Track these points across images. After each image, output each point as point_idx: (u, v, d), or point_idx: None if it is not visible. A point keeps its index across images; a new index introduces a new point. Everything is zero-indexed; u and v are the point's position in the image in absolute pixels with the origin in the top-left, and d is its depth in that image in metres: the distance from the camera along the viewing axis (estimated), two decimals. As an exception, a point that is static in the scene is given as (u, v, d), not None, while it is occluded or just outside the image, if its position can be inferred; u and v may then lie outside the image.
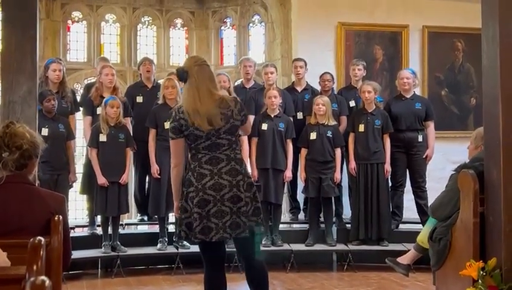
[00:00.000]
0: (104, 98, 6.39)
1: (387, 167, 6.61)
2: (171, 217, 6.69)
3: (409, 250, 4.90)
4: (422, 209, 6.65)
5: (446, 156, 7.07)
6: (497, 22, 3.59)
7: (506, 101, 3.56)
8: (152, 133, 6.39)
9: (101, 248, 6.20)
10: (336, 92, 7.22)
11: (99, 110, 6.41)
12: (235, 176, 3.56)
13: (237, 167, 3.59)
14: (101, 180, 6.12)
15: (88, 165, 6.46)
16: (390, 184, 6.83)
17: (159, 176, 6.31)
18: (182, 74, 3.63)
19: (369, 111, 6.63)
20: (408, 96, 6.83)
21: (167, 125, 6.31)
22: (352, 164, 6.64)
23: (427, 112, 6.80)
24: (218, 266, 3.72)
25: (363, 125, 6.62)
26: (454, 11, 7.93)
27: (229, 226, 3.52)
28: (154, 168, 6.30)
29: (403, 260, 4.72)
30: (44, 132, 5.91)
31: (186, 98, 3.61)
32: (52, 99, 6.10)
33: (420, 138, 6.74)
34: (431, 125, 6.84)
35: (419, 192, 6.76)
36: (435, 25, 8.01)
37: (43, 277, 1.68)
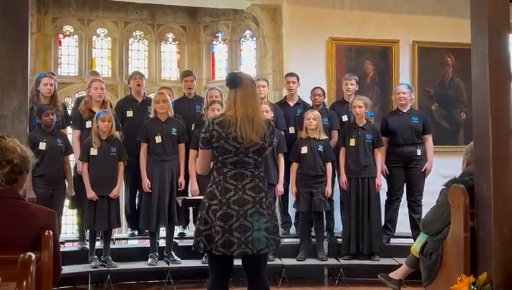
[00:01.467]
0: (93, 111, 6.38)
1: (379, 181, 6.62)
2: (162, 232, 6.67)
3: (400, 265, 4.90)
4: (415, 224, 6.64)
5: (437, 171, 7.08)
6: (486, 38, 3.64)
7: (495, 116, 3.59)
8: (143, 147, 6.37)
9: (91, 262, 6.15)
10: (328, 107, 7.24)
11: (88, 124, 6.39)
12: (259, 193, 3.61)
13: (260, 184, 3.64)
14: (90, 194, 6.09)
15: (77, 180, 6.43)
16: (386, 198, 6.84)
17: (150, 190, 6.28)
18: (235, 79, 3.64)
19: (360, 125, 6.66)
20: (405, 110, 6.86)
21: (158, 139, 6.34)
22: (344, 178, 6.65)
23: (424, 126, 6.83)
24: (224, 279, 3.75)
25: (354, 139, 6.64)
26: (444, 27, 7.99)
27: (251, 241, 3.55)
28: (146, 183, 6.28)
29: (395, 275, 4.72)
30: (42, 146, 5.91)
31: (240, 105, 3.59)
32: (51, 113, 6.10)
33: (419, 152, 6.76)
34: (429, 138, 6.86)
35: (415, 206, 6.76)
36: (425, 40, 8.08)
37: (33, 293, 1.67)
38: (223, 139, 3.57)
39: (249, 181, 3.60)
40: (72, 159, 6.71)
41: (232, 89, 3.64)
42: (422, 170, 6.77)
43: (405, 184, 6.86)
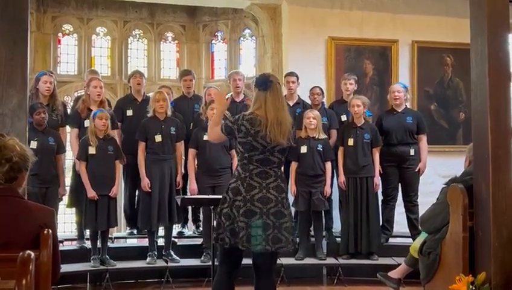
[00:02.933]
0: (91, 110, 6.37)
1: (377, 180, 6.63)
2: (161, 231, 6.67)
3: (399, 264, 4.91)
4: (412, 224, 6.67)
5: (435, 170, 7.09)
6: (486, 38, 3.64)
7: (494, 116, 3.59)
8: (141, 146, 6.37)
9: (90, 261, 6.16)
10: (327, 106, 7.24)
11: (86, 123, 6.39)
12: (281, 193, 3.72)
13: (282, 184, 3.76)
14: (91, 193, 6.09)
15: (76, 179, 6.42)
16: (381, 198, 6.84)
17: (149, 190, 6.28)
18: (266, 82, 3.75)
19: (358, 125, 6.66)
20: (399, 110, 6.86)
21: (158, 138, 6.35)
22: (342, 177, 6.65)
23: (418, 126, 6.83)
24: (232, 273, 3.85)
25: (352, 139, 6.64)
26: (443, 26, 8.00)
27: (271, 239, 3.65)
28: (145, 182, 6.28)
29: (394, 274, 4.73)
30: (33, 144, 5.86)
31: (271, 108, 3.69)
32: (43, 112, 6.07)
33: (412, 152, 6.76)
34: (423, 138, 6.86)
35: (411, 206, 6.77)
36: (424, 40, 8.08)
37: (32, 291, 1.67)
38: (251, 136, 3.68)
39: (273, 181, 3.71)
40: (71, 157, 6.70)
41: (262, 90, 3.74)
42: (416, 170, 6.76)
43: (400, 184, 6.85)
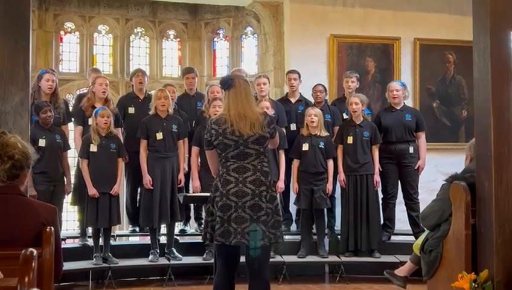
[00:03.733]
0: (95, 108, 6.37)
1: (377, 178, 6.62)
2: (163, 229, 6.68)
3: (401, 261, 4.92)
4: (414, 221, 6.66)
5: (437, 168, 7.09)
6: (488, 35, 3.63)
7: (497, 114, 3.59)
8: (143, 143, 6.37)
9: (92, 259, 6.16)
10: (328, 103, 7.23)
11: (90, 121, 6.39)
12: (259, 186, 3.71)
13: (262, 178, 3.74)
14: (92, 191, 6.09)
15: (79, 176, 6.43)
16: (381, 196, 6.83)
17: (151, 187, 6.28)
18: (227, 81, 3.81)
19: (357, 123, 6.65)
20: (398, 108, 6.85)
21: (159, 136, 6.35)
22: (342, 175, 6.64)
23: (417, 123, 6.82)
24: (230, 271, 3.84)
25: (351, 137, 6.63)
26: (445, 24, 7.99)
27: (248, 232, 3.65)
28: (147, 179, 6.28)
29: (400, 272, 4.74)
30: (42, 142, 5.91)
31: (232, 104, 3.75)
32: (49, 110, 6.09)
33: (411, 150, 6.75)
34: (422, 136, 6.85)
35: (412, 204, 6.76)
36: (427, 38, 8.07)
37: (35, 289, 1.67)
38: (221, 135, 3.72)
39: (251, 174, 3.71)
40: (75, 155, 6.71)
41: (226, 90, 3.82)
42: (416, 168, 6.75)
43: (400, 182, 6.85)
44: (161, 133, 6.33)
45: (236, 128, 3.69)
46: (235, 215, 3.65)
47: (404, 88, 6.95)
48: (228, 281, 3.83)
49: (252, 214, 3.66)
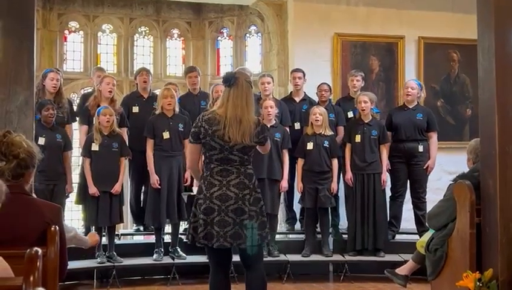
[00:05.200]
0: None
1: (384, 177, 6.61)
2: (168, 228, 6.68)
3: (405, 261, 4.91)
4: (420, 220, 6.64)
5: (442, 167, 7.07)
6: (493, 33, 3.62)
7: (501, 112, 3.58)
8: (150, 143, 6.37)
9: (97, 258, 6.17)
10: (334, 103, 7.23)
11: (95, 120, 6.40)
12: (243, 190, 3.69)
13: (246, 181, 3.71)
14: (92, 189, 6.10)
15: (83, 175, 6.44)
16: (389, 194, 6.82)
17: (158, 186, 6.28)
18: (230, 78, 3.70)
19: (366, 121, 6.64)
20: (410, 106, 6.83)
21: (166, 135, 6.35)
22: (349, 174, 6.64)
23: (429, 123, 6.79)
24: (222, 271, 3.85)
25: (359, 135, 6.62)
26: (449, 22, 7.97)
27: (230, 235, 3.64)
28: (154, 179, 6.27)
29: (401, 271, 4.73)
30: (41, 141, 5.90)
31: (230, 105, 3.66)
32: (51, 108, 6.09)
33: (421, 148, 6.73)
34: (434, 136, 6.82)
35: (419, 203, 6.74)
36: (431, 36, 8.05)
37: (40, 288, 1.68)
38: (209, 136, 3.67)
39: (234, 178, 3.69)
40: (79, 154, 6.72)
41: (226, 87, 3.72)
42: (425, 167, 6.74)
43: (408, 181, 6.84)
44: (168, 132, 6.33)
45: (227, 133, 3.61)
46: (218, 219, 3.64)
47: (421, 89, 6.92)
48: (222, 280, 3.84)
49: (235, 217, 3.65)
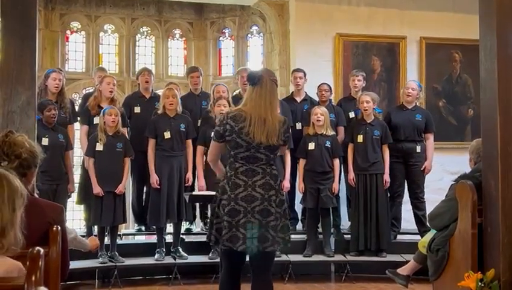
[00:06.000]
0: (101, 107, 6.39)
1: (387, 177, 6.60)
2: (169, 228, 6.68)
3: (407, 261, 4.90)
4: (420, 220, 6.65)
5: (444, 167, 7.08)
6: (495, 34, 3.62)
7: (504, 112, 3.57)
8: (151, 142, 6.38)
9: (99, 258, 6.18)
10: (335, 103, 7.23)
11: (96, 120, 6.40)
12: (268, 191, 3.61)
13: (271, 181, 3.63)
14: (96, 189, 6.11)
15: (84, 175, 6.45)
16: (388, 195, 6.82)
17: (158, 186, 6.29)
18: (254, 77, 3.65)
19: (368, 122, 6.64)
20: (409, 107, 6.84)
21: (167, 135, 6.35)
22: (351, 174, 6.63)
23: (427, 124, 6.81)
24: (235, 274, 3.76)
25: (361, 136, 6.62)
26: (451, 23, 7.96)
27: (257, 238, 3.55)
28: (154, 179, 6.28)
29: (403, 271, 4.73)
30: (45, 141, 5.91)
31: (255, 105, 3.60)
32: (53, 109, 6.10)
33: (418, 149, 6.74)
34: (430, 137, 6.83)
35: (418, 203, 6.75)
36: (433, 36, 8.05)
37: (42, 288, 1.68)
38: (235, 133, 3.59)
39: (260, 178, 3.60)
40: (80, 155, 6.73)
41: (250, 86, 3.67)
42: (422, 169, 6.74)
43: (406, 181, 6.83)
44: (169, 132, 6.33)
45: (252, 132, 3.56)
46: (243, 221, 3.54)
47: (420, 89, 6.94)
48: (234, 282, 3.75)
49: (261, 219, 3.56)
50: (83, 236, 6.67)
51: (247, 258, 3.75)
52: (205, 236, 6.79)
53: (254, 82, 3.63)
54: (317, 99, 7.08)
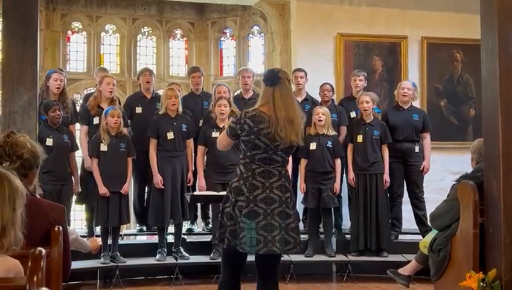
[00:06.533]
0: (101, 108, 6.39)
1: (386, 177, 6.60)
2: (170, 228, 6.69)
3: (408, 261, 4.90)
4: (421, 220, 6.65)
5: (445, 167, 7.08)
6: (496, 33, 3.61)
7: (505, 112, 3.57)
8: (153, 143, 6.38)
9: (100, 258, 6.18)
10: (336, 103, 7.23)
11: (96, 120, 6.41)
12: (285, 193, 3.56)
13: (286, 183, 3.60)
14: (102, 190, 6.11)
15: (84, 175, 6.45)
16: (388, 195, 6.81)
17: (162, 187, 6.29)
18: (274, 77, 3.58)
19: (368, 122, 6.64)
20: (406, 107, 6.84)
21: (169, 135, 6.35)
22: (351, 174, 6.63)
23: (424, 124, 6.81)
24: (237, 274, 3.73)
25: (361, 136, 6.62)
26: (452, 23, 7.96)
27: (278, 241, 3.50)
28: (158, 179, 6.28)
29: (404, 271, 4.72)
30: (49, 142, 5.92)
31: (281, 106, 3.52)
32: (58, 109, 6.11)
33: (417, 149, 6.74)
34: (427, 137, 6.84)
35: (418, 203, 6.74)
36: (434, 36, 8.05)
37: (44, 288, 1.68)
38: (254, 134, 3.51)
39: (276, 180, 3.56)
40: (80, 155, 6.73)
41: (269, 86, 3.58)
42: (421, 169, 6.73)
43: (405, 181, 6.83)
44: (171, 132, 6.34)
45: (278, 133, 3.47)
46: (264, 223, 3.47)
47: (415, 89, 6.94)
48: (235, 282, 3.72)
49: (280, 221, 3.50)
50: (84, 236, 6.72)
51: (248, 259, 3.73)
52: (206, 236, 6.89)
53: (274, 82, 3.55)
54: (318, 99, 7.07)
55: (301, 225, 7.10)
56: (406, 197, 6.88)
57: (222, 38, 10.18)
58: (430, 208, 6.36)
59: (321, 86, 7.04)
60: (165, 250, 6.41)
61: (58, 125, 6.15)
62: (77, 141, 6.73)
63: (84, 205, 6.73)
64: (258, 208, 3.49)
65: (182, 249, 6.45)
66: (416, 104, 7.25)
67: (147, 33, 10.05)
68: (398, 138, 6.75)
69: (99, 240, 4.98)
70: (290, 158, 6.44)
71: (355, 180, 6.61)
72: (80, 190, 6.44)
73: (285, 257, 6.47)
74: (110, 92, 6.51)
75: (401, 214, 6.89)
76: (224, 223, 3.56)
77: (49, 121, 6.06)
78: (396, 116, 6.82)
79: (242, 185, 3.53)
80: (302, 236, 6.82)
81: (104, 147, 6.16)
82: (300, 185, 6.67)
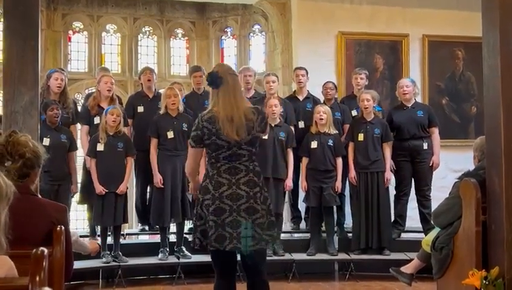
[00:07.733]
0: (101, 107, 6.39)
1: (387, 175, 6.60)
2: (172, 227, 6.68)
3: (411, 259, 4.90)
4: (425, 218, 6.63)
5: (447, 165, 7.06)
6: (498, 31, 3.61)
7: (507, 110, 3.56)
8: (154, 142, 6.38)
9: (102, 258, 6.18)
10: (338, 101, 7.22)
11: (96, 120, 6.41)
12: (253, 188, 3.55)
13: (255, 179, 3.58)
14: (98, 189, 6.11)
15: (86, 175, 6.45)
16: (394, 193, 6.81)
17: (162, 186, 6.29)
18: (216, 79, 3.58)
19: (368, 120, 6.63)
20: (409, 105, 6.82)
21: (170, 134, 6.35)
22: (352, 173, 6.62)
23: (429, 119, 6.78)
24: (228, 275, 3.68)
25: (362, 134, 6.60)
26: (454, 20, 7.95)
27: (244, 237, 3.48)
28: (158, 178, 6.28)
29: (407, 269, 4.72)
30: (46, 141, 5.90)
31: (222, 104, 3.54)
32: (56, 108, 6.10)
33: (425, 146, 6.71)
34: (435, 131, 6.80)
35: (424, 201, 6.72)
36: (435, 34, 8.04)
37: (46, 288, 1.68)
38: (214, 135, 3.53)
39: (244, 175, 3.55)
40: (81, 155, 6.74)
41: (214, 89, 3.61)
42: (430, 164, 6.72)
43: (413, 178, 6.82)
44: (172, 131, 6.33)
45: (223, 131, 3.50)
46: (230, 220, 3.46)
47: (414, 85, 6.91)
48: (228, 284, 3.67)
49: (247, 217, 3.49)
50: (87, 236, 6.73)
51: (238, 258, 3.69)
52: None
53: (217, 85, 3.58)
54: (320, 97, 7.07)
55: (303, 224, 7.11)
56: (410, 195, 6.87)
57: (223, 38, 10.17)
58: (432, 205, 6.38)
59: (324, 84, 7.03)
60: (167, 249, 6.41)
61: (57, 124, 6.15)
62: (78, 141, 6.74)
63: (86, 205, 6.73)
64: (223, 204, 3.49)
65: (184, 249, 6.45)
66: (419, 100, 7.22)
67: (148, 33, 10.06)
68: (404, 137, 6.72)
69: (99, 243, 4.99)
70: (291, 157, 6.54)
71: (357, 179, 6.60)
72: (77, 191, 6.44)
73: (287, 256, 6.49)
74: (108, 90, 6.51)
75: (406, 212, 6.87)
76: (196, 224, 3.59)
77: (47, 120, 6.05)
78: (400, 115, 6.80)
79: (208, 183, 3.55)
80: (304, 235, 6.95)
81: (100, 147, 6.15)
82: (302, 183, 6.67)
